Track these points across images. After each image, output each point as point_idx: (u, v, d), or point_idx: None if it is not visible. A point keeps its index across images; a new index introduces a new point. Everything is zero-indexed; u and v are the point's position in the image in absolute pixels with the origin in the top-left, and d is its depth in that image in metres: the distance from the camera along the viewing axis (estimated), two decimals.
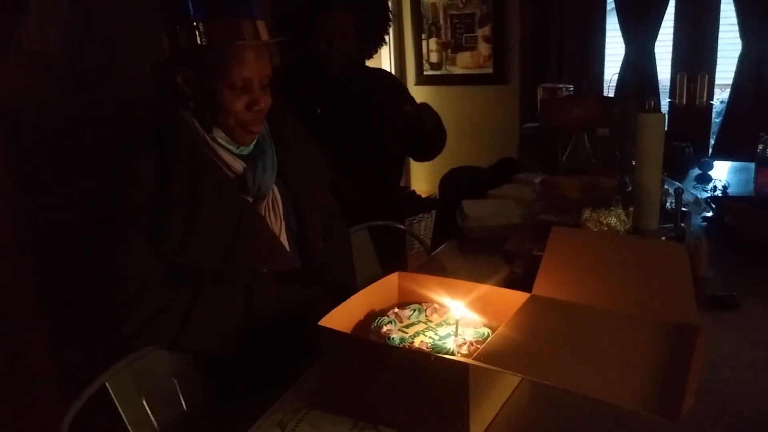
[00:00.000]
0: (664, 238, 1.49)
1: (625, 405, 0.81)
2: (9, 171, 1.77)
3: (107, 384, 1.14)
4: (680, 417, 0.76)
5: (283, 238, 1.37)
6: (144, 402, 1.20)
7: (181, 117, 1.29)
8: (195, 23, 1.21)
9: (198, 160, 1.26)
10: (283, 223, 1.38)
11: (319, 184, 1.53)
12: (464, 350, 0.99)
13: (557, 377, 0.88)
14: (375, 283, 1.19)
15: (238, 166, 1.31)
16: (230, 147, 1.30)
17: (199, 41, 1.22)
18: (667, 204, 1.66)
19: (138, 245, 1.22)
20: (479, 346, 0.97)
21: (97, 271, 1.25)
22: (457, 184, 2.28)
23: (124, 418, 1.16)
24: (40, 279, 1.84)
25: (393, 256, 2.04)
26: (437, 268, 1.68)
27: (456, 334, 1.04)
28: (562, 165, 2.02)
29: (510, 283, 1.39)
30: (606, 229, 1.38)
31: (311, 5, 1.96)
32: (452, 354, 0.98)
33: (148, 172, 1.22)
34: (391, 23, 2.23)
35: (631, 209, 1.45)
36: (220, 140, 1.29)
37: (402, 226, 1.92)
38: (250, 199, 1.33)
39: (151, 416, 1.20)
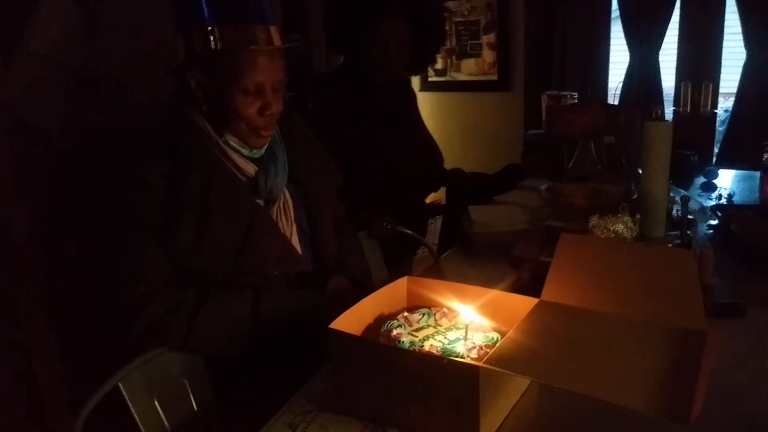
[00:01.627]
0: (670, 245, 1.50)
1: (635, 408, 0.82)
2: (17, 174, 1.77)
3: (120, 384, 1.16)
4: (689, 421, 0.77)
5: (295, 241, 1.38)
6: (156, 402, 1.21)
7: (194, 120, 1.30)
8: (209, 28, 1.23)
9: (210, 164, 1.28)
10: (294, 225, 1.39)
11: (328, 186, 1.54)
12: (474, 354, 1.00)
13: (567, 380, 0.89)
14: (384, 287, 1.21)
15: (250, 169, 1.32)
16: (242, 150, 1.31)
17: (213, 46, 1.23)
18: (674, 212, 1.67)
19: (147, 247, 1.23)
20: (488, 350, 0.98)
21: (106, 274, 1.26)
22: (463, 190, 2.28)
23: (137, 419, 1.17)
24: (48, 282, 1.85)
25: (399, 261, 2.05)
26: (444, 273, 1.69)
27: (465, 339, 1.05)
28: (568, 172, 2.03)
29: (517, 289, 1.39)
30: (613, 236, 1.39)
31: (370, 14, 1.96)
32: (462, 358, 0.99)
33: (159, 176, 1.23)
34: (445, 42, 2.23)
35: (638, 216, 1.46)
36: (232, 143, 1.30)
37: (410, 231, 1.93)
38: (261, 203, 1.34)
39: (162, 417, 1.21)
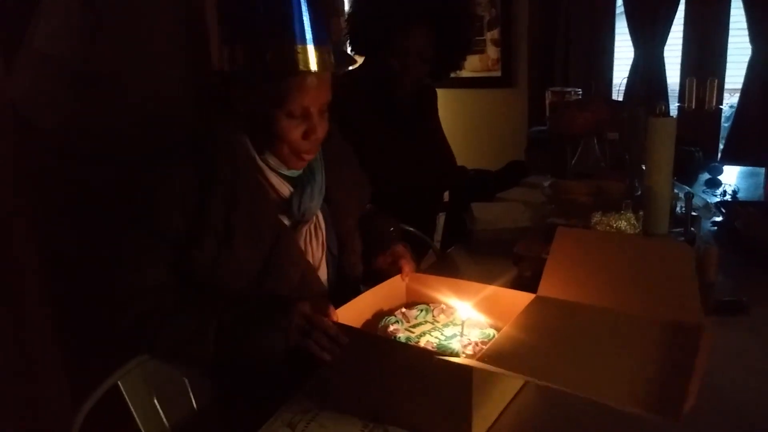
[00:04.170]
0: None
1: (626, 408, 0.82)
2: (20, 173, 1.78)
3: (119, 383, 1.15)
4: (681, 416, 0.76)
5: (323, 264, 1.32)
6: (155, 401, 1.21)
7: (231, 135, 1.23)
8: (259, 45, 1.14)
9: (240, 182, 1.20)
10: (324, 248, 1.33)
11: (359, 204, 1.48)
12: (469, 351, 1.00)
13: (559, 379, 0.88)
14: (383, 283, 1.21)
15: (285, 190, 1.26)
16: (280, 170, 1.25)
17: (261, 65, 1.14)
18: (677, 208, 1.66)
19: (151, 255, 1.18)
20: (484, 346, 0.97)
21: (106, 273, 1.25)
22: (466, 187, 2.28)
23: (136, 418, 1.17)
24: (49, 280, 1.85)
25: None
26: (446, 270, 1.69)
27: (462, 335, 1.05)
28: (571, 169, 2.02)
29: (518, 286, 1.37)
30: None
31: (396, 19, 1.91)
32: (457, 354, 0.99)
33: (190, 189, 1.17)
34: (471, 49, 2.19)
35: (641, 213, 1.45)
36: (270, 162, 1.24)
37: (411, 228, 1.92)
38: (287, 223, 1.27)
39: (162, 415, 1.21)
